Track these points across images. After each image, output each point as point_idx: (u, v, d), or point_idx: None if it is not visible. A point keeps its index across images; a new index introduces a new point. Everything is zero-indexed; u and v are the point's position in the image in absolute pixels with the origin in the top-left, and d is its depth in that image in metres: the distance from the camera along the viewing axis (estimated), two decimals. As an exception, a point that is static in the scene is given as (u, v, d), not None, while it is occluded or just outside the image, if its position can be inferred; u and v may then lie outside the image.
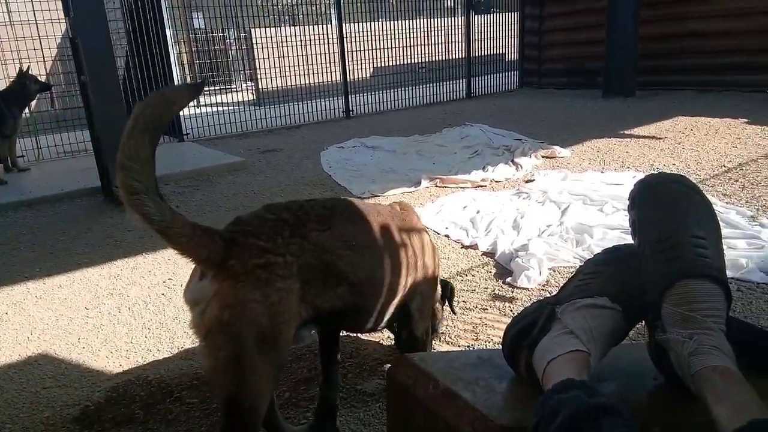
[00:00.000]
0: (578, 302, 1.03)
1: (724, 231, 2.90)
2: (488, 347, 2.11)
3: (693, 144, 5.02)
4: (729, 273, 2.48)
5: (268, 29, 8.83)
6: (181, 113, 7.21)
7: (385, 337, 2.22)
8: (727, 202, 3.39)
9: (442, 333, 2.22)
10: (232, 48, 11.77)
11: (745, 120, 5.72)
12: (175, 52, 8.21)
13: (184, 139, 7.17)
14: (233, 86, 11.96)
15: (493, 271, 2.85)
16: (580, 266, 1.16)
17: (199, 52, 11.14)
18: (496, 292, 2.59)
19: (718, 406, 0.81)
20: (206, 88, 11.30)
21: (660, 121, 6.14)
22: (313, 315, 1.33)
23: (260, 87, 9.46)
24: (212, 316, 1.20)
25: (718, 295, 0.93)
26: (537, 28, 10.14)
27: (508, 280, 2.68)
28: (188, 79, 10.88)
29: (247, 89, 11.23)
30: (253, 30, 9.18)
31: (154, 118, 1.10)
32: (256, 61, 9.11)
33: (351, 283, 1.39)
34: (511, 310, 2.40)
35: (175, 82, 7.20)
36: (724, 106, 6.55)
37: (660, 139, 5.35)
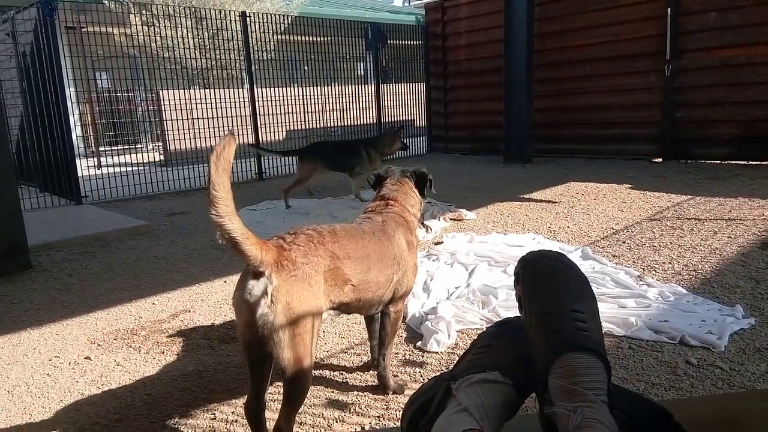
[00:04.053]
0: (472, 377, 1.06)
1: (615, 290, 3.13)
2: (399, 414, 2.09)
3: (584, 208, 5.42)
4: (619, 331, 2.66)
5: (177, 91, 8.72)
6: (79, 174, 6.85)
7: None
8: (616, 263, 3.65)
9: (352, 403, 2.18)
10: (140, 108, 11.48)
11: (629, 185, 6.29)
12: (76, 111, 7.87)
13: (83, 201, 6.78)
14: (140, 146, 11.58)
15: (404, 335, 2.86)
16: (474, 339, 1.20)
17: (105, 111, 10.76)
18: (407, 357, 2.59)
19: None
20: (109, 148, 10.86)
21: (555, 186, 6.60)
22: (329, 305, 1.83)
23: (169, 148, 9.22)
24: (282, 302, 1.61)
25: (599, 367, 0.98)
26: (442, 98, 10.76)
27: (419, 344, 2.69)
28: (91, 140, 10.43)
29: (155, 150, 10.90)
30: (161, 91, 9.02)
31: (227, 159, 1.49)
32: (165, 122, 8.92)
33: (352, 284, 1.87)
34: (422, 376, 2.40)
35: (74, 143, 6.85)
36: (611, 172, 7.17)
37: (555, 203, 5.73)
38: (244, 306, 1.64)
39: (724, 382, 2.19)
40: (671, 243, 4.03)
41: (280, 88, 9.42)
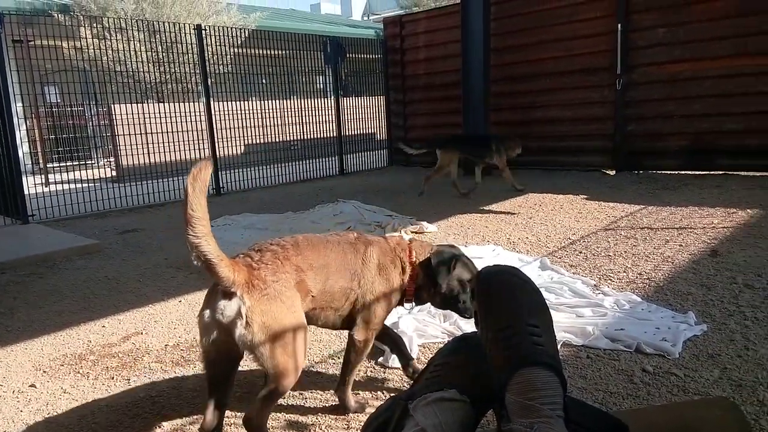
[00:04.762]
0: (429, 396, 1.04)
1: (573, 300, 3.16)
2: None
3: (543, 219, 5.51)
4: (577, 341, 2.68)
5: (130, 105, 8.50)
6: (26, 192, 6.57)
7: None
8: (573, 273, 3.71)
9: (312, 424, 2.12)
10: (91, 123, 11.14)
11: (585, 196, 6.43)
12: (23, 127, 7.57)
13: (30, 220, 6.49)
14: (91, 162, 11.21)
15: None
16: (432, 357, 1.18)
17: (54, 127, 10.40)
18: (369, 373, 2.54)
19: None
20: (57, 165, 10.48)
21: (514, 197, 6.70)
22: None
23: (121, 164, 8.96)
24: (258, 323, 1.69)
25: (555, 382, 0.98)
26: (402, 111, 10.83)
27: (380, 360, 2.65)
28: (39, 156, 10.05)
29: (107, 166, 10.58)
30: (113, 106, 8.78)
31: (203, 180, 1.55)
32: (117, 137, 8.67)
33: (312, 295, 1.92)
34: (384, 392, 2.36)
35: (21, 159, 6.58)
36: (567, 184, 7.33)
37: (514, 214, 5.81)
38: (214, 325, 1.73)
39: (679, 389, 2.22)
40: (626, 252, 4.12)
41: (238, 102, 9.31)
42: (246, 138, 9.31)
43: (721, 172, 7.15)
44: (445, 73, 9.84)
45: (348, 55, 10.71)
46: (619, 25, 7.68)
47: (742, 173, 6.96)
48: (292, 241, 1.95)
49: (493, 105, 8.97)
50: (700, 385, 2.23)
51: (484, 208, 6.21)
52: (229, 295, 1.70)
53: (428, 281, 2.16)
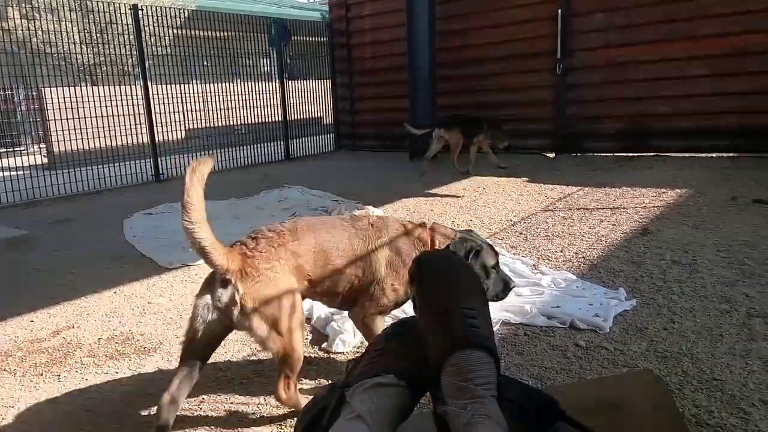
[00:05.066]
0: (366, 383, 1.04)
1: (513, 280, 3.25)
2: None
3: (486, 201, 5.61)
4: (515, 319, 2.75)
5: (62, 88, 8.06)
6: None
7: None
8: (514, 253, 3.80)
9: (253, 413, 2.10)
10: (20, 108, 10.52)
11: (526, 179, 6.59)
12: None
13: (-48, 210, 6.10)
14: (21, 149, 10.61)
15: (310, 337, 2.80)
16: (370, 344, 1.19)
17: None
18: (312, 359, 2.54)
19: None
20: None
21: (458, 181, 6.79)
22: (302, 296, 2.02)
23: (53, 150, 8.51)
24: (249, 308, 1.80)
25: (489, 362, 1.00)
26: (349, 95, 10.74)
27: (324, 345, 2.65)
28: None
29: (38, 152, 10.04)
30: (44, 89, 8.31)
31: (202, 173, 1.67)
32: (48, 122, 8.22)
33: (311, 278, 2.01)
34: (327, 378, 2.36)
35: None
36: (510, 166, 7.46)
37: (459, 197, 5.89)
38: (212, 310, 1.83)
39: (609, 361, 2.32)
40: (563, 232, 4.26)
41: (178, 85, 8.98)
42: (187, 122, 9.02)
43: (653, 154, 7.47)
44: (391, 56, 9.79)
45: (293, 38, 10.50)
46: (560, 11, 7.83)
47: (673, 154, 7.29)
48: (291, 226, 2.02)
49: (440, 89, 9.01)
50: (628, 358, 2.34)
51: (430, 191, 6.27)
52: (225, 282, 1.81)
53: None
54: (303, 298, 2.04)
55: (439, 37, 8.91)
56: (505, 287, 2.24)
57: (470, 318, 1.03)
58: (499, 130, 7.35)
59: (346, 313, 2.88)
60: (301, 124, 10.55)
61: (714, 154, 7.03)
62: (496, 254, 2.26)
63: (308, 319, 2.98)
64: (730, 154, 6.94)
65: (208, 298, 1.83)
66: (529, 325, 2.71)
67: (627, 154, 7.66)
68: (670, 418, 1.12)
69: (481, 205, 5.47)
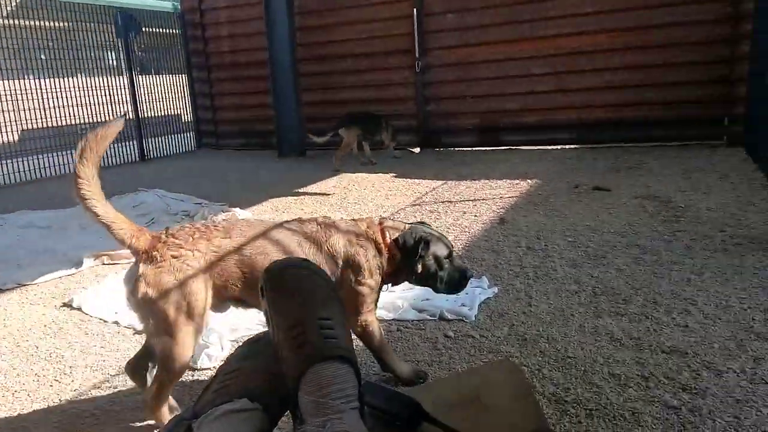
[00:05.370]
0: (217, 410, 0.95)
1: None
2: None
3: (356, 198, 5.64)
4: (388, 315, 2.78)
5: None
6: None
7: None
8: (384, 249, 3.84)
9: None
10: None
11: (394, 174, 6.73)
12: None
13: None
14: None
15: (172, 354, 2.60)
16: (221, 365, 1.09)
17: None
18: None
19: None
20: None
21: (328, 178, 6.76)
22: (224, 298, 1.91)
23: None
24: (141, 292, 1.75)
25: (348, 373, 0.96)
26: (208, 91, 10.24)
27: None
28: None
29: None
30: None
31: (94, 155, 1.69)
32: None
33: (244, 280, 1.89)
34: (191, 400, 2.19)
35: None
36: (378, 162, 7.58)
37: (329, 194, 5.86)
38: (126, 286, 1.84)
39: (476, 349, 2.43)
40: (431, 225, 4.40)
41: (10, 81, 7.93)
42: (21, 122, 8.01)
43: (506, 147, 8.02)
44: (250, 51, 9.48)
45: (144, 29, 9.76)
46: (415, 10, 8.09)
47: (523, 147, 7.88)
48: (228, 224, 1.97)
49: (303, 85, 8.89)
50: (492, 343, 2.45)
51: (299, 190, 6.16)
52: (137, 261, 1.82)
53: (404, 261, 2.12)
54: (238, 302, 1.96)
55: (300, 33, 8.80)
56: (461, 277, 2.17)
57: (326, 329, 0.99)
58: (393, 128, 7.63)
59: (210, 323, 2.73)
60: (157, 122, 9.86)
61: (558, 147, 7.71)
62: (450, 245, 2.22)
63: (171, 335, 2.77)
64: (572, 146, 7.65)
65: (125, 274, 1.85)
66: (402, 320, 2.75)
67: (483, 149, 8.14)
68: (528, 406, 1.18)
69: (352, 202, 5.49)
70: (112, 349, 2.69)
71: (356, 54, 8.74)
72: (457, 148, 8.38)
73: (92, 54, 9.35)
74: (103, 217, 1.72)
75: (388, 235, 2.16)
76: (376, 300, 2.17)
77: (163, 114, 9.99)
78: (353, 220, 2.24)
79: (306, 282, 1.04)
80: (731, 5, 6.58)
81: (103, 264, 4.02)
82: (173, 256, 1.80)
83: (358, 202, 5.47)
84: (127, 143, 9.19)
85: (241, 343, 1.22)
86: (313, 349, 0.94)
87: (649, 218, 4.11)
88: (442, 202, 5.20)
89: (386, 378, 2.17)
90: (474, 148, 8.23)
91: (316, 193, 5.97)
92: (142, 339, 2.77)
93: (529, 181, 5.77)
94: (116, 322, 2.98)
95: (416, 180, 6.30)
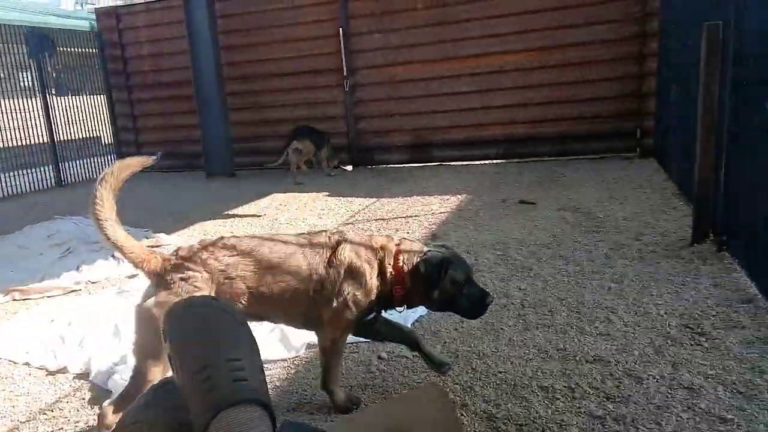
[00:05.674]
0: None
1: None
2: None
3: (288, 218, 5.55)
4: (283, 354, 2.65)
5: None
6: None
7: None
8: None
9: None
10: None
11: (327, 193, 6.69)
12: None
13: None
14: None
15: (88, 396, 2.44)
16: (120, 418, 1.02)
17: None
18: (92, 423, 2.20)
19: None
20: None
21: (259, 199, 6.62)
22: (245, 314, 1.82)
23: None
24: (157, 319, 1.78)
25: (261, 416, 0.92)
26: (129, 112, 9.85)
27: (105, 404, 2.30)
28: None
29: None
30: None
31: (114, 180, 1.86)
32: None
33: (255, 297, 1.96)
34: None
35: None
36: (309, 181, 7.50)
37: (259, 216, 5.74)
38: (140, 309, 1.91)
39: (409, 370, 2.41)
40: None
41: None
42: None
43: (437, 163, 8.16)
44: (174, 70, 9.21)
45: (60, 49, 9.29)
46: (341, 29, 8.14)
47: (453, 163, 8.05)
48: (233, 241, 2.01)
49: (230, 104, 8.71)
50: (426, 363, 2.45)
51: (229, 212, 6.00)
52: (151, 284, 1.93)
53: (419, 286, 2.05)
54: (250, 317, 1.91)
55: (225, 52, 8.64)
56: (480, 304, 2.10)
57: (237, 370, 0.93)
58: (332, 146, 7.85)
59: (131, 362, 2.57)
60: (75, 145, 9.37)
61: (486, 162, 7.93)
62: (468, 268, 2.13)
63: (86, 375, 2.60)
64: (498, 161, 7.89)
65: (143, 293, 1.95)
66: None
67: (415, 165, 8.24)
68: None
69: (284, 222, 5.39)
70: (22, 392, 2.50)
71: (285, 73, 8.67)
72: (389, 165, 8.44)
73: (3, 75, 8.78)
74: (113, 240, 1.80)
75: (402, 259, 2.08)
76: (360, 320, 2.11)
77: (81, 136, 9.52)
78: (370, 235, 2.18)
79: (212, 322, 0.98)
80: (638, 25, 7.03)
81: (14, 300, 3.74)
82: (182, 279, 1.87)
83: (290, 222, 5.38)
84: (42, 168, 8.67)
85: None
86: (221, 394, 0.89)
87: (571, 229, 4.27)
88: (375, 219, 5.20)
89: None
90: (406, 165, 8.32)
91: (246, 215, 5.83)
92: (55, 380, 2.58)
93: (459, 196, 5.88)
94: (27, 363, 2.78)
95: (349, 198, 6.29)
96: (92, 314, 3.30)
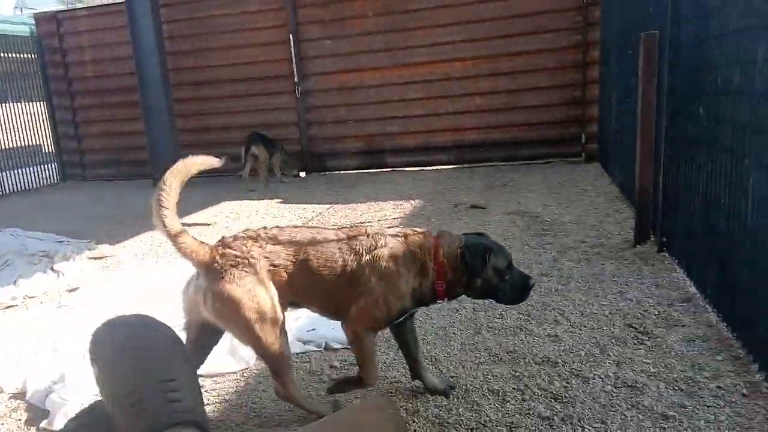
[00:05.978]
0: None
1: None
2: None
3: (240, 227, 5.37)
4: (233, 367, 2.59)
5: None
6: None
7: None
8: (267, 280, 3.72)
9: None
10: None
11: (280, 200, 6.60)
12: None
13: None
14: None
15: (25, 416, 2.30)
16: None
17: None
18: (28, 444, 2.08)
19: None
20: None
21: (209, 207, 6.48)
22: (286, 300, 2.03)
23: None
24: (211, 305, 1.92)
25: None
26: (71, 119, 9.48)
27: (43, 424, 2.19)
28: None
29: None
30: None
31: (185, 171, 2.01)
32: None
33: (293, 285, 2.01)
34: None
35: None
36: (262, 189, 7.39)
37: (210, 224, 5.61)
38: (185, 298, 2.03)
39: (362, 378, 2.39)
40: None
41: None
42: None
43: (390, 169, 8.19)
44: (118, 76, 8.93)
45: (-5, 54, 8.86)
46: (291, 36, 8.08)
47: (406, 169, 8.09)
48: (275, 231, 2.08)
49: (178, 111, 8.49)
50: (379, 371, 2.43)
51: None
52: (198, 274, 1.98)
53: (461, 276, 2.02)
54: (288, 304, 2.05)
55: (172, 58, 8.43)
56: (523, 288, 2.08)
57: (170, 391, 0.89)
58: (287, 153, 7.82)
59: (69, 380, 2.45)
60: (14, 153, 8.95)
61: (438, 167, 8.01)
62: (508, 255, 2.11)
63: (23, 395, 2.46)
64: (450, 166, 7.98)
65: (185, 287, 2.01)
66: (288, 354, 2.65)
67: (369, 171, 8.24)
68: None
69: (236, 231, 5.27)
70: (-50, 419, 2.33)
71: (235, 79, 8.55)
72: (343, 171, 8.41)
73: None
74: (169, 228, 1.87)
75: (442, 251, 2.03)
76: (391, 322, 2.08)
77: (20, 145, 9.09)
78: (411, 230, 2.12)
79: (143, 341, 0.94)
80: (581, 33, 7.27)
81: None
82: (231, 265, 1.93)
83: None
84: (-24, 178, 8.23)
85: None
86: (152, 418, 0.85)
87: (521, 233, 4.36)
88: (330, 226, 5.16)
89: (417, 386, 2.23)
90: (359, 171, 8.31)
91: (196, 224, 5.68)
92: (11, 403, 2.43)
93: (412, 201, 5.91)
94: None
95: (302, 205, 6.22)
96: (30, 330, 3.14)
